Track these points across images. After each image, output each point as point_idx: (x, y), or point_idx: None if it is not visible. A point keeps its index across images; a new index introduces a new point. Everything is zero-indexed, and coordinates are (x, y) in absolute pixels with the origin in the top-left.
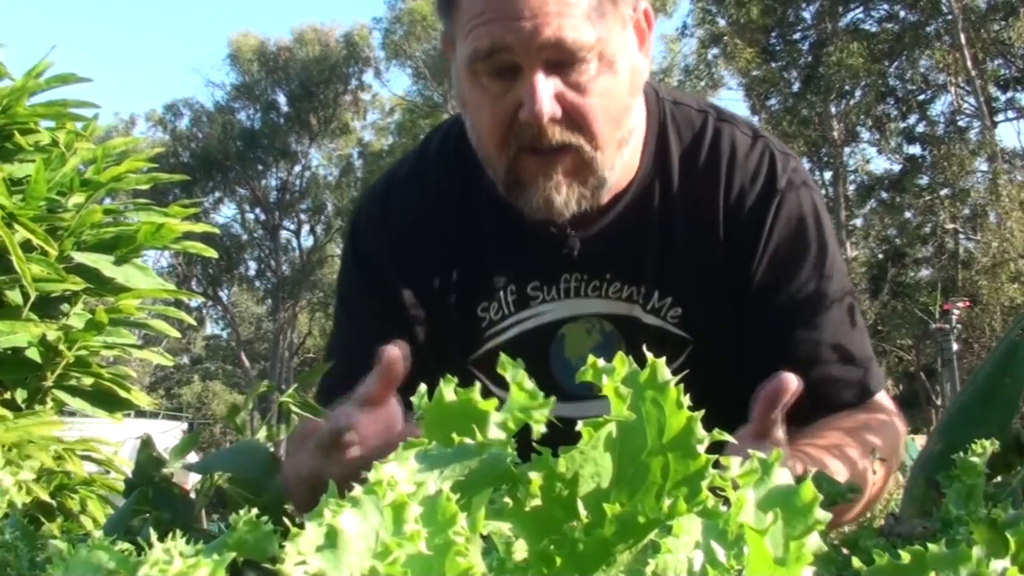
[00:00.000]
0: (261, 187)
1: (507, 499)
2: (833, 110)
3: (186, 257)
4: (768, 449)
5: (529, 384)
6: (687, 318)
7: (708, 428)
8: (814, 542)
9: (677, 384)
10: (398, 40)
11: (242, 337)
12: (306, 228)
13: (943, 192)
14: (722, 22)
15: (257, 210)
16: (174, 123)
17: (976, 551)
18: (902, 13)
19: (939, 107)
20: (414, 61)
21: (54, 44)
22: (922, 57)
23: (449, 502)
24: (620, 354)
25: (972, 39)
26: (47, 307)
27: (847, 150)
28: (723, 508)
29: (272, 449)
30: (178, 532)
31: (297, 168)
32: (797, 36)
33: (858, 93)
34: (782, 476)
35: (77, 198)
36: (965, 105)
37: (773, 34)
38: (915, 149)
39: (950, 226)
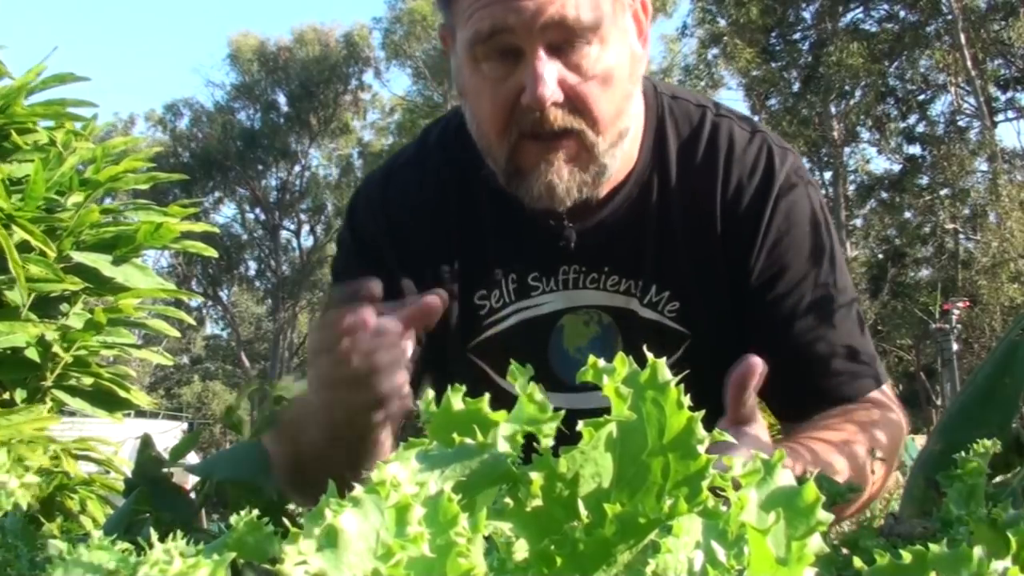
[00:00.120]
0: (261, 187)
1: (508, 499)
2: (833, 110)
3: (186, 257)
4: (749, 436)
5: (539, 396)
6: (685, 312)
7: (706, 421)
8: (816, 543)
9: (677, 384)
10: (398, 40)
11: (242, 337)
12: (306, 228)
13: (943, 192)
14: (722, 22)
15: (257, 210)
16: (174, 123)
17: (977, 551)
18: (902, 13)
19: (939, 107)
20: (414, 61)
21: (56, 46)
22: (922, 57)
23: (451, 503)
24: (621, 354)
25: (972, 39)
26: (46, 307)
27: (847, 150)
28: (723, 508)
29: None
30: (178, 532)
31: (297, 168)
32: (797, 36)
33: (858, 93)
34: (785, 477)
35: (76, 197)
36: (965, 105)
37: (773, 34)
38: (915, 149)
39: (950, 226)
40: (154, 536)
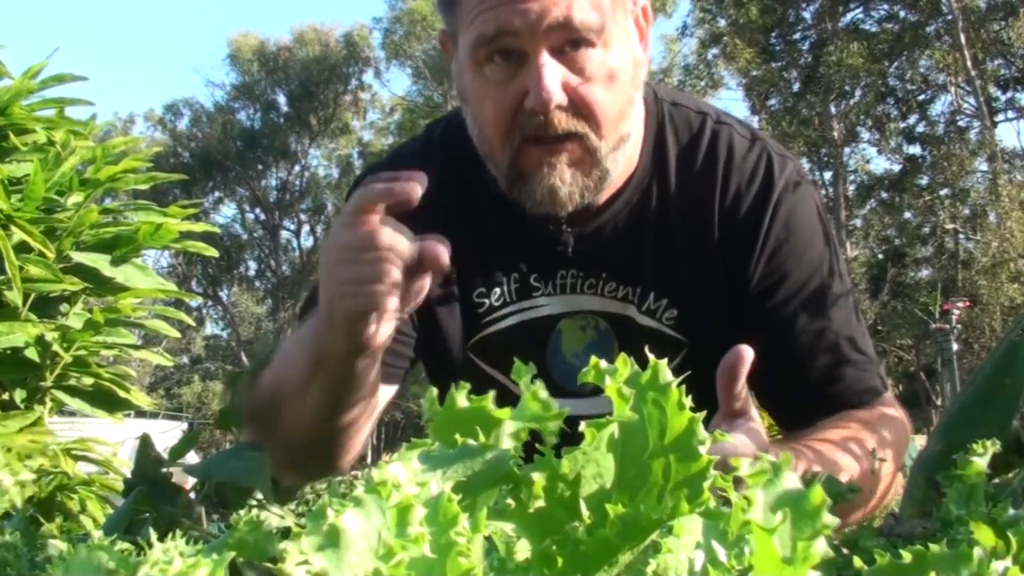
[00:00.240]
0: (261, 187)
1: (509, 500)
2: (833, 110)
3: (186, 257)
4: (743, 432)
5: (543, 394)
6: (683, 320)
7: (706, 426)
8: (822, 545)
9: (679, 385)
10: (398, 40)
11: (242, 337)
12: (306, 228)
13: (943, 192)
14: (722, 22)
15: (257, 210)
16: (174, 123)
17: (977, 551)
18: (902, 13)
19: (939, 107)
20: (414, 61)
21: (57, 46)
22: (922, 57)
23: (451, 503)
24: (622, 355)
25: (972, 39)
26: (46, 307)
27: (847, 150)
28: (724, 508)
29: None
30: (178, 532)
31: (297, 168)
32: (797, 36)
33: (858, 93)
34: (791, 479)
35: (76, 198)
36: (965, 105)
37: (773, 34)
38: (915, 149)
39: (950, 226)
40: (154, 536)
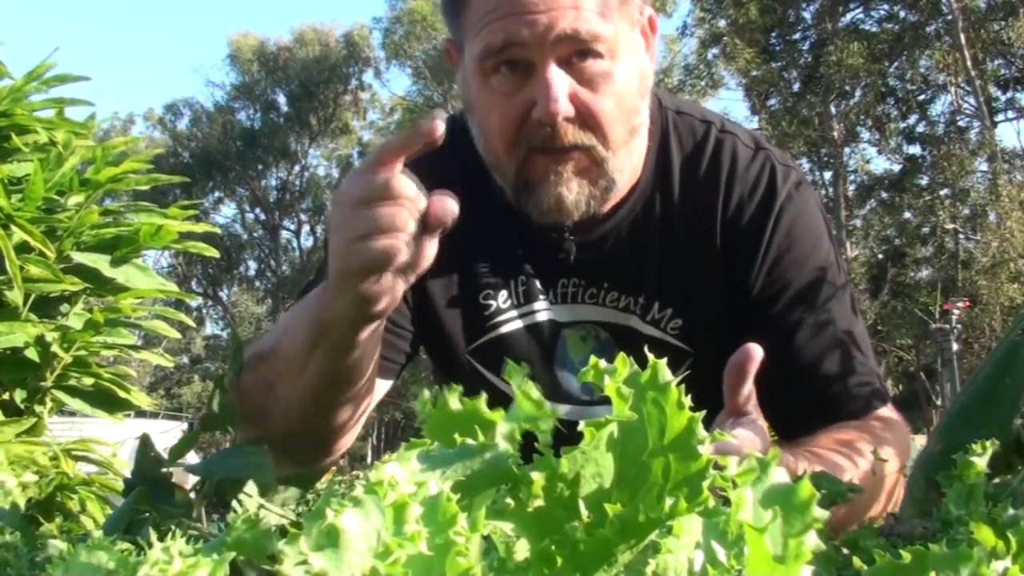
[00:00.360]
0: (261, 187)
1: (508, 499)
2: (833, 110)
3: (186, 257)
4: (748, 429)
5: (535, 393)
6: (687, 329)
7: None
8: (812, 540)
9: (678, 385)
10: (398, 40)
11: (242, 337)
12: (306, 228)
13: (943, 192)
14: (722, 22)
15: (257, 210)
16: (174, 123)
17: (977, 551)
18: (902, 13)
19: (939, 107)
20: (414, 61)
21: (57, 46)
22: (922, 57)
23: (450, 502)
24: (622, 355)
25: (972, 39)
26: (46, 307)
27: (847, 150)
28: (724, 508)
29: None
30: (178, 532)
31: (297, 168)
32: (797, 36)
33: (858, 93)
34: (779, 475)
35: (76, 198)
36: (965, 105)
37: (773, 34)
38: (915, 149)
39: (950, 226)
40: (153, 536)
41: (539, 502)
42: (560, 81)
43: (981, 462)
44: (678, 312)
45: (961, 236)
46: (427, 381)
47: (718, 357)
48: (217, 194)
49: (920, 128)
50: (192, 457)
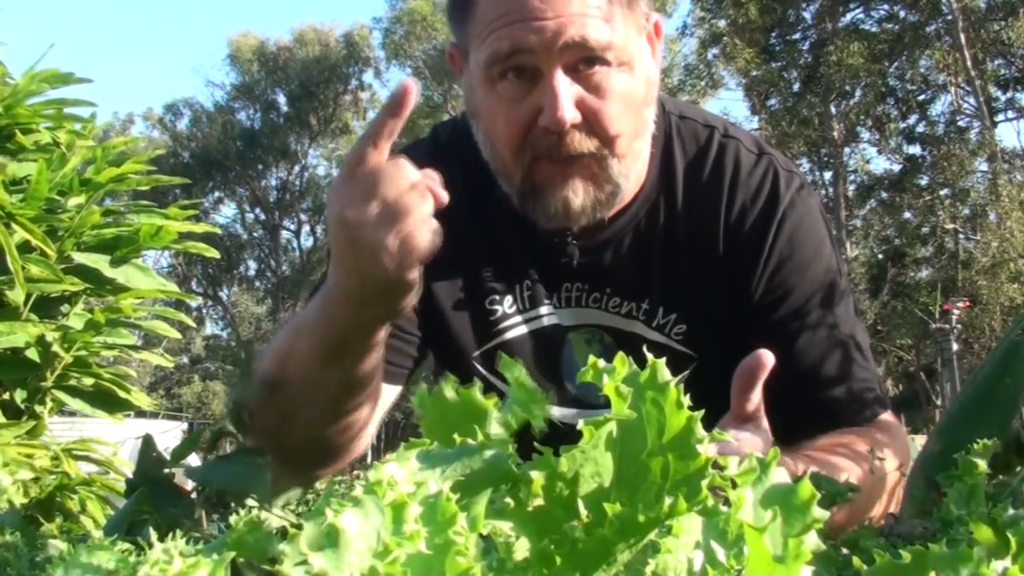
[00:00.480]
0: (261, 187)
1: (508, 499)
2: (833, 110)
3: (186, 257)
4: (751, 433)
5: (529, 382)
6: (691, 335)
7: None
8: (812, 540)
9: (677, 384)
10: (398, 40)
11: (242, 337)
12: (306, 228)
13: (943, 192)
14: (722, 22)
15: (257, 210)
16: (174, 123)
17: (977, 551)
18: (902, 13)
19: (939, 107)
20: (414, 61)
21: (52, 43)
22: (922, 57)
23: (449, 502)
24: (620, 354)
25: (972, 39)
26: (47, 307)
27: (847, 150)
28: (723, 508)
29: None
30: (178, 532)
31: (297, 168)
32: (797, 36)
33: (858, 93)
34: (779, 475)
35: (77, 199)
36: (965, 105)
37: (773, 34)
38: (915, 149)
39: (950, 226)
40: (154, 536)
41: (538, 501)
42: (567, 88)
43: (981, 462)
44: (682, 317)
45: (961, 236)
46: (427, 381)
47: (722, 362)
48: (217, 194)
49: (920, 128)
50: (193, 458)
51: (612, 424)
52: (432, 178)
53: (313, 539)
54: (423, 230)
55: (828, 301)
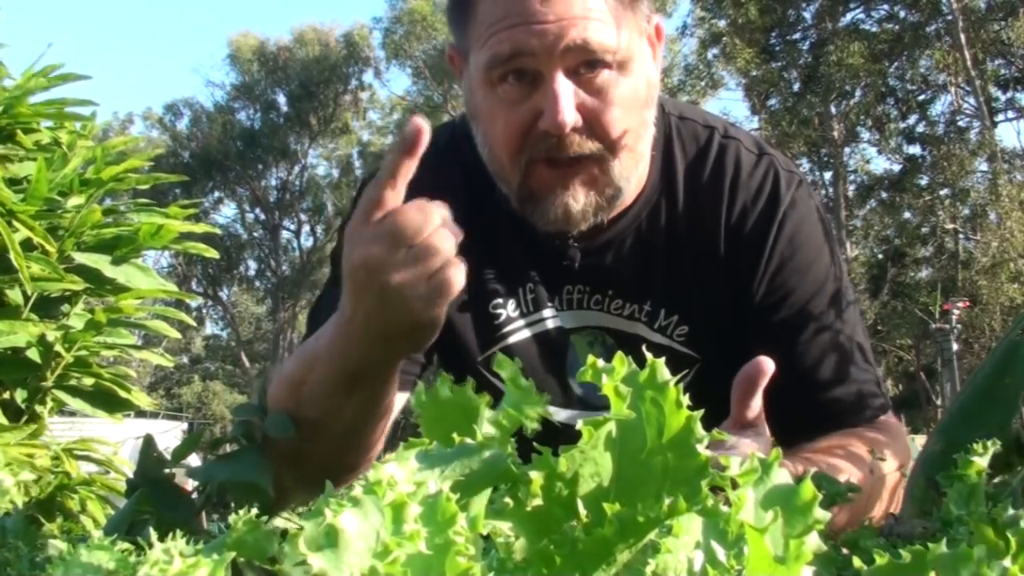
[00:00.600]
0: (261, 187)
1: (507, 499)
2: (833, 110)
3: (186, 257)
4: (751, 439)
5: (524, 381)
6: (693, 336)
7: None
8: (813, 541)
9: (676, 384)
10: (398, 40)
11: (242, 337)
12: (306, 228)
13: (943, 192)
14: (722, 22)
15: (257, 210)
16: (174, 123)
17: (977, 551)
18: (902, 13)
19: (939, 107)
20: (414, 61)
21: (51, 43)
22: (922, 57)
23: (449, 502)
24: (620, 354)
25: (972, 39)
26: (47, 307)
27: (847, 150)
28: (723, 508)
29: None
30: (178, 532)
31: (297, 168)
32: (797, 36)
33: (858, 93)
34: (781, 476)
35: (77, 198)
36: (965, 105)
37: (773, 34)
38: (915, 149)
39: (950, 226)
40: (154, 536)
41: (538, 501)
42: (568, 92)
43: (981, 462)
44: (684, 318)
45: (961, 236)
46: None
47: (725, 363)
48: (217, 194)
49: (920, 128)
50: (193, 458)
51: (611, 424)
52: (442, 211)
53: (313, 539)
54: (451, 270)
55: (829, 302)
